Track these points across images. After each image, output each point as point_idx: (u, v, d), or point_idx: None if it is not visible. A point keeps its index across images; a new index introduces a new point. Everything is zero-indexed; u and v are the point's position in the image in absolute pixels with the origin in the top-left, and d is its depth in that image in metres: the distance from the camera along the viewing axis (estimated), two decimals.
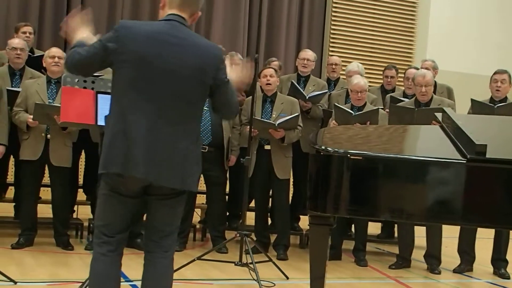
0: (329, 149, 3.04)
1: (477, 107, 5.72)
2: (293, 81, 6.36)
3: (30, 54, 6.09)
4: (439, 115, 3.79)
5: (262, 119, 5.68)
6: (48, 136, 5.40)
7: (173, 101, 2.86)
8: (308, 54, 6.71)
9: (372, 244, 6.66)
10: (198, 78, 2.90)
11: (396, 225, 6.38)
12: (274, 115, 5.75)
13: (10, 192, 6.37)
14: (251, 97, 5.21)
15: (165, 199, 2.96)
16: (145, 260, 3.02)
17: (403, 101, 6.19)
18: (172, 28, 2.90)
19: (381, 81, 7.27)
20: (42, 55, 5.78)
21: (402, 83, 7.11)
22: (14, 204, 6.19)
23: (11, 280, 4.20)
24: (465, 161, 2.85)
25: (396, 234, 6.44)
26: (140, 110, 2.82)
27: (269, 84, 5.78)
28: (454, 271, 5.74)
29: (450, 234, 5.74)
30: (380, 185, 2.96)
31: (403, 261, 5.78)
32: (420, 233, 5.79)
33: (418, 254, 5.92)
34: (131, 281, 4.44)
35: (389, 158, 2.97)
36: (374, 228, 6.89)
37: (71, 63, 2.93)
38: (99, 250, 2.95)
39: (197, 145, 2.97)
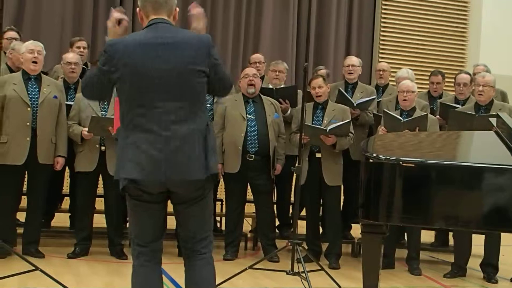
0: (381, 156, 3.01)
1: None
2: (340, 88, 6.32)
3: (84, 67, 6.23)
4: (493, 120, 3.72)
5: (313, 125, 5.67)
6: (103, 147, 5.51)
7: (176, 99, 2.91)
8: (352, 60, 6.67)
9: (426, 253, 6.54)
10: (195, 68, 2.93)
11: (451, 233, 6.25)
12: (325, 121, 5.73)
13: (66, 203, 6.51)
14: (301, 105, 5.22)
15: (190, 205, 3.00)
16: (185, 266, 3.08)
17: (454, 107, 6.10)
18: (157, 30, 2.96)
19: None
20: None
21: (449, 88, 7.01)
22: (69, 214, 6.32)
23: None
24: None
25: (450, 242, 6.31)
26: (147, 117, 2.89)
27: (319, 96, 5.78)
28: None
29: (508, 242, 5.59)
30: (434, 192, 2.91)
31: (458, 270, 5.66)
32: (476, 241, 5.66)
33: (473, 263, 5.78)
34: None
35: (443, 165, 2.93)
36: (428, 236, 6.78)
37: (86, 94, 3.12)
38: (137, 262, 3.03)
39: (210, 134, 3.01)
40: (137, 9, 3.06)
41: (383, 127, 5.67)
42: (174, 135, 2.89)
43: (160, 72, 2.89)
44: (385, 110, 5.86)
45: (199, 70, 2.94)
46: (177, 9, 3.07)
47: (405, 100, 5.75)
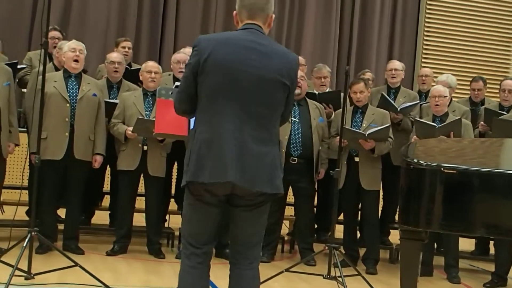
0: (422, 162, 2.98)
1: None
2: (383, 93, 6.27)
3: (128, 67, 6.31)
4: None
5: (352, 129, 5.64)
6: (145, 147, 5.56)
7: (257, 105, 2.88)
8: (395, 64, 6.62)
9: (466, 261, 6.43)
10: (279, 81, 2.91)
11: (492, 242, 6.14)
12: (364, 125, 5.69)
13: (106, 201, 6.59)
14: (341, 109, 5.19)
15: (249, 210, 2.97)
16: (230, 272, 3.04)
17: (499, 113, 6.00)
18: (251, 34, 2.94)
19: None
20: (139, 69, 5.97)
21: (493, 95, 6.89)
22: (109, 212, 6.40)
23: (106, 286, 4.35)
24: None
25: (491, 251, 6.20)
26: (225, 116, 2.85)
27: (360, 101, 5.74)
28: None
29: None
30: (476, 199, 2.87)
31: (498, 280, 5.55)
32: None
33: None
34: None
35: (485, 172, 2.88)
36: (468, 244, 6.67)
37: (178, 108, 3.02)
38: (188, 263, 2.99)
39: (279, 149, 2.99)
40: (234, 12, 3.04)
41: (415, 136, 5.60)
42: (251, 141, 2.85)
43: (247, 76, 2.86)
44: (416, 118, 5.79)
45: (283, 83, 2.92)
46: (273, 16, 3.05)
47: (437, 105, 5.69)
